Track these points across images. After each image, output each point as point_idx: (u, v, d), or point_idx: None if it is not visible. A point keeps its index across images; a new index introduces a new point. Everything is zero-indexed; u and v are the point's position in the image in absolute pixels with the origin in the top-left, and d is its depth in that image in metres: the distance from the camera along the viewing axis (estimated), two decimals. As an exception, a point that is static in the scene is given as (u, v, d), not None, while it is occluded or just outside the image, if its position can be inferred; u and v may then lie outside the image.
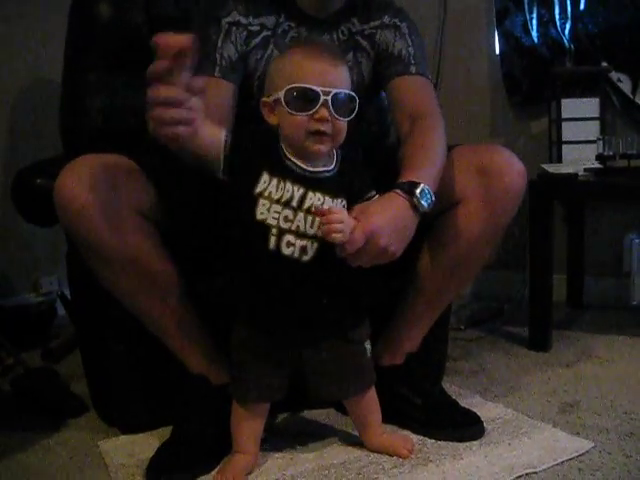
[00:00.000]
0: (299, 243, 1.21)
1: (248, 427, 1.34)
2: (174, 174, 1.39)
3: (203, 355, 1.45)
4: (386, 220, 1.20)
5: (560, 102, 2.34)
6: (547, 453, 1.36)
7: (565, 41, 2.51)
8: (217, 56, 1.47)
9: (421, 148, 1.34)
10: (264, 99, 1.26)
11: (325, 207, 1.20)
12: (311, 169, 1.24)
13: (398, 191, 1.24)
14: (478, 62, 2.77)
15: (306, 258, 1.22)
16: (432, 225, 1.43)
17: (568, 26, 2.52)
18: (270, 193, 1.21)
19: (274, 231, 1.21)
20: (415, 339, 1.54)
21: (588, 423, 1.51)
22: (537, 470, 1.30)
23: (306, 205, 1.22)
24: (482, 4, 2.73)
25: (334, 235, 1.15)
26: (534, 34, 2.58)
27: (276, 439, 1.48)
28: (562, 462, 1.33)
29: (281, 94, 1.21)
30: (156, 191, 1.36)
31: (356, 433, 1.44)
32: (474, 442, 1.42)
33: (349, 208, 1.24)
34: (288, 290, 1.24)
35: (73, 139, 1.78)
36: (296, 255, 1.21)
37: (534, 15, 2.58)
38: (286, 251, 1.21)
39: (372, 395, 1.39)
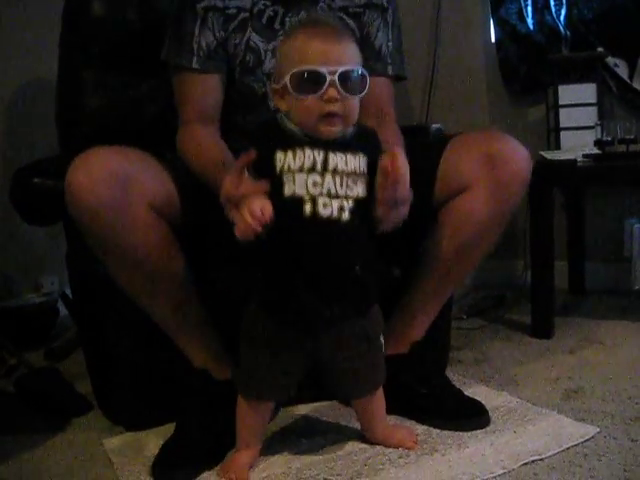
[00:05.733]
0: (335, 203, 1.17)
1: (252, 423, 1.33)
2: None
3: (207, 349, 1.44)
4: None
5: (557, 88, 2.33)
6: (552, 439, 1.36)
7: (561, 27, 2.50)
8: (194, 46, 1.47)
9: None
10: (273, 86, 1.23)
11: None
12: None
13: None
14: (474, 50, 2.77)
15: (345, 217, 1.17)
16: (439, 211, 1.44)
17: (563, 12, 2.51)
18: (289, 166, 1.16)
19: (307, 198, 1.16)
20: (421, 327, 1.54)
21: (593, 409, 1.51)
22: (543, 457, 1.30)
23: (330, 166, 1.17)
24: (477, -8, 2.72)
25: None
26: (529, 21, 2.58)
27: (281, 432, 1.48)
28: (568, 448, 1.33)
29: (287, 79, 1.17)
30: (175, 185, 1.36)
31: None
32: (479, 431, 1.42)
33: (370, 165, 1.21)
34: (324, 258, 1.19)
35: (70, 138, 1.78)
36: (335, 215, 1.17)
37: (529, 2, 2.57)
38: (324, 212, 1.16)
39: (380, 393, 1.38)
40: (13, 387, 1.82)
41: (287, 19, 1.52)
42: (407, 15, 2.81)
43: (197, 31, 1.48)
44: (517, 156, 1.40)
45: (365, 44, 1.53)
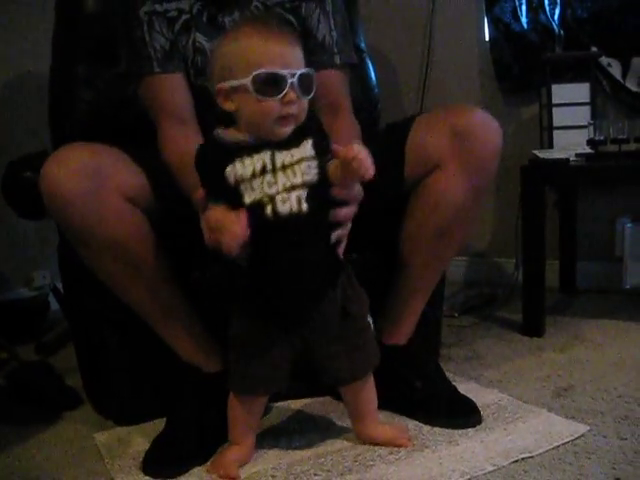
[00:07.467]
0: (293, 195, 1.17)
1: (245, 419, 1.33)
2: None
3: (193, 343, 1.44)
4: None
5: (550, 88, 2.34)
6: (543, 437, 1.37)
7: (554, 26, 2.51)
8: (150, 51, 1.45)
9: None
10: (220, 86, 1.20)
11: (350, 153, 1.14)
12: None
13: None
14: (468, 49, 2.77)
15: (305, 207, 1.17)
16: (411, 195, 1.43)
17: (557, 11, 2.51)
18: (241, 175, 1.17)
19: (265, 200, 1.16)
20: (413, 314, 1.53)
21: (583, 407, 1.52)
22: (533, 454, 1.31)
23: (279, 164, 1.18)
24: (471, -10, 2.72)
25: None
26: (523, 20, 2.58)
27: (272, 428, 1.49)
28: (558, 446, 1.33)
29: (247, 81, 1.16)
30: (147, 179, 1.36)
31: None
32: (470, 428, 1.42)
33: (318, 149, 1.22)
34: (294, 252, 1.20)
35: (62, 132, 1.77)
36: (295, 209, 1.17)
37: (523, 1, 2.57)
38: (283, 209, 1.16)
39: (371, 383, 1.37)
40: (4, 381, 1.81)
41: (220, 18, 1.50)
42: (401, 13, 2.84)
43: (147, 37, 1.45)
44: (486, 128, 1.38)
45: (308, 37, 1.51)
